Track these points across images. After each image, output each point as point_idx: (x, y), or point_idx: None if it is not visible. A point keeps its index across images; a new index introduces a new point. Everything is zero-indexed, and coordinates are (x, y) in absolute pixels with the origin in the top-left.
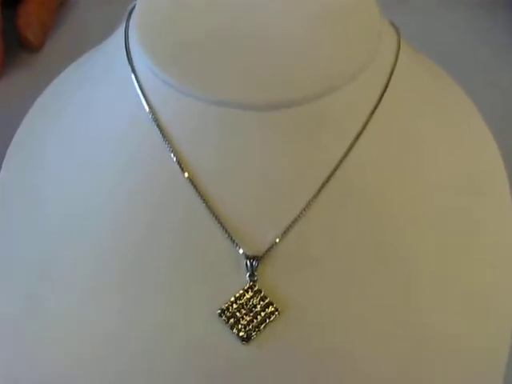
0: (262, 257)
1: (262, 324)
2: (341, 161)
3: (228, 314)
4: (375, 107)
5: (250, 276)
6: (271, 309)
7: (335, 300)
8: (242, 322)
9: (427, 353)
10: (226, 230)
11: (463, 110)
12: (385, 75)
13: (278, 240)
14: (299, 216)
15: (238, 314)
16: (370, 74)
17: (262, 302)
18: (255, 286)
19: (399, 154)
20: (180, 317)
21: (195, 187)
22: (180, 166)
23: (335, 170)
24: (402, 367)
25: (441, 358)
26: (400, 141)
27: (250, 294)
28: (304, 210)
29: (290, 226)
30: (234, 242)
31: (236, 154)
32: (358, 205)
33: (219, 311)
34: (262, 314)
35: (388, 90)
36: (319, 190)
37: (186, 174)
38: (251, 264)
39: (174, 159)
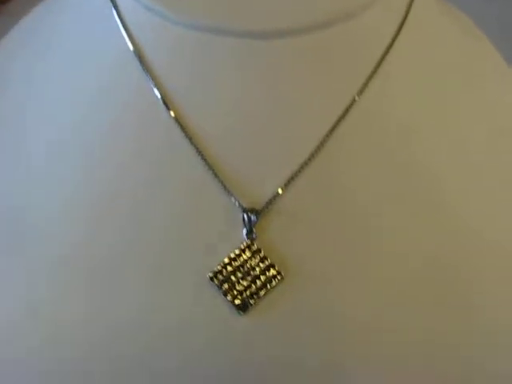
0: (261, 210)
1: (261, 290)
2: (353, 100)
3: (221, 277)
4: (395, 37)
5: (247, 233)
6: (273, 272)
7: (350, 261)
8: (237, 288)
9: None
10: (219, 179)
11: (487, 50)
12: (404, 3)
13: (280, 190)
14: (307, 162)
15: (233, 277)
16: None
17: (261, 264)
18: (253, 244)
19: (425, 84)
20: (162, 282)
21: (182, 128)
22: (164, 103)
23: (350, 106)
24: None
25: (483, 263)
26: (425, 70)
27: (248, 254)
28: (313, 154)
29: (296, 173)
30: (228, 192)
31: (229, 89)
32: (377, 145)
33: (210, 274)
34: (262, 278)
35: (409, 17)
36: (331, 131)
37: (172, 113)
38: (249, 219)
39: (159, 95)
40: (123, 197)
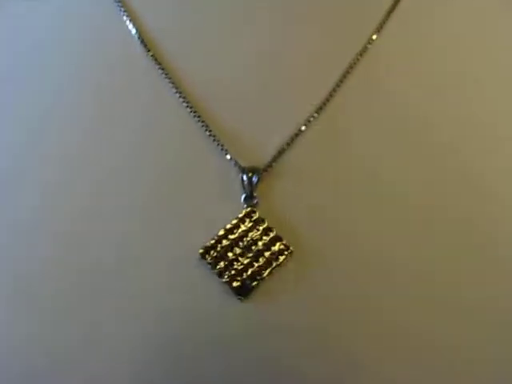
0: (264, 170)
1: (265, 269)
2: (368, 42)
3: (215, 254)
4: None
5: (246, 198)
6: (279, 246)
7: (365, 230)
8: (235, 267)
9: None
10: (211, 133)
11: None
12: None
13: (286, 146)
14: (314, 115)
15: (229, 254)
16: None
17: (265, 237)
18: (255, 212)
19: (446, 25)
20: (146, 261)
21: (166, 76)
22: (139, 38)
23: (364, 50)
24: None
25: None
26: (446, 11)
27: (248, 224)
28: (321, 105)
29: (303, 127)
30: (222, 148)
31: (218, 28)
32: (389, 93)
33: (201, 251)
34: (266, 254)
35: None
36: (341, 79)
37: (151, 53)
38: (249, 180)
39: (130, 26)
40: (104, 162)
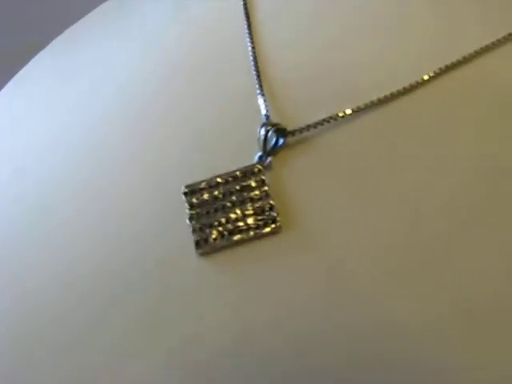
0: (290, 133)
1: (239, 233)
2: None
3: (199, 197)
4: None
5: (261, 156)
6: (270, 215)
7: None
8: (211, 218)
9: None
10: (260, 83)
11: None
12: None
13: (329, 119)
14: (389, 97)
15: (213, 205)
16: None
17: (258, 201)
18: (262, 172)
19: None
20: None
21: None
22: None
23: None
24: None
25: None
26: None
27: (250, 181)
28: (403, 91)
29: (367, 107)
30: (262, 96)
31: None
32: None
33: (186, 190)
34: (250, 220)
35: None
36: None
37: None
38: (265, 137)
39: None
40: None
